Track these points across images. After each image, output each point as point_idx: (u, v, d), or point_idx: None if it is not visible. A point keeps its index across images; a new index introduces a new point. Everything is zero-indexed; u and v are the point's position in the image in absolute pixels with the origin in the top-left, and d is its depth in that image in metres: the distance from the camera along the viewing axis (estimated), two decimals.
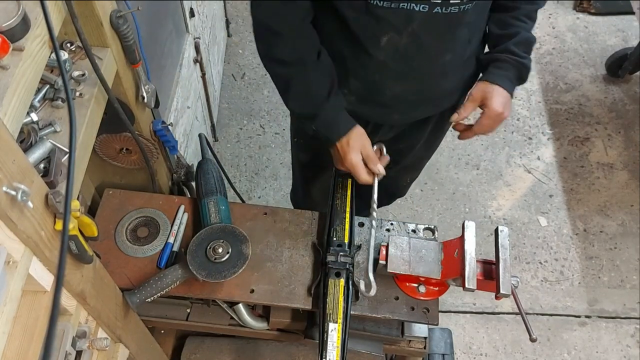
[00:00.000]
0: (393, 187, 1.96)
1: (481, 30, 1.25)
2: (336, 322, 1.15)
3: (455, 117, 1.25)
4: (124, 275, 1.26)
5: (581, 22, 3.09)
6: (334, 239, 1.26)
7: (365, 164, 1.19)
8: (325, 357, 1.11)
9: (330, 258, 1.23)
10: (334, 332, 1.14)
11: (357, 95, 1.26)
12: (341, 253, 1.23)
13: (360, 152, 1.18)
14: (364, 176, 1.19)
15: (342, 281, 1.20)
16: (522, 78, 1.23)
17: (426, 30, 1.11)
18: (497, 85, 1.20)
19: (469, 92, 1.26)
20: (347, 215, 1.30)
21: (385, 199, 2.07)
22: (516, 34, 1.21)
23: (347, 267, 1.22)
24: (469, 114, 1.24)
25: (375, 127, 1.38)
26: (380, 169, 1.20)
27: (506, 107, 1.21)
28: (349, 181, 1.36)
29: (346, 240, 1.26)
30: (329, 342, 1.13)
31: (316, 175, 1.69)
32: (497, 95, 1.19)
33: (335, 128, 1.19)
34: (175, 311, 1.42)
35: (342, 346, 1.13)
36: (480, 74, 1.27)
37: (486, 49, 1.30)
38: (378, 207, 1.25)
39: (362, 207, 1.36)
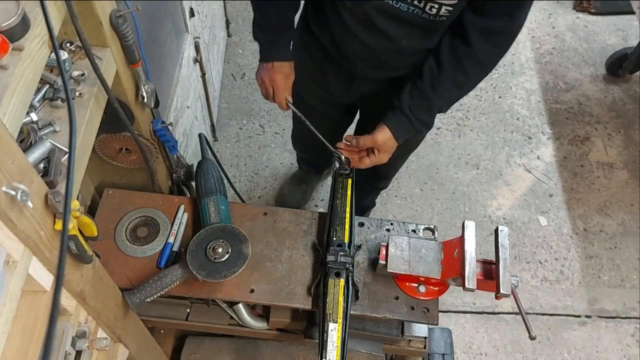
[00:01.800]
0: (374, 180, 2.01)
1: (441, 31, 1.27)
2: (336, 322, 1.15)
3: (353, 142, 1.36)
4: (124, 275, 1.26)
5: (581, 21, 3.09)
6: (334, 238, 1.26)
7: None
8: (325, 357, 1.11)
9: (330, 258, 1.23)
10: (334, 332, 1.14)
11: (331, 40, 1.38)
12: (341, 253, 1.23)
13: (272, 79, 1.39)
14: (263, 90, 1.44)
15: (342, 281, 1.20)
16: (418, 131, 1.34)
17: (378, 14, 1.20)
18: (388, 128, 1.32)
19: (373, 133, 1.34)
20: (347, 215, 1.30)
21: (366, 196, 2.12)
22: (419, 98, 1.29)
23: (347, 267, 1.22)
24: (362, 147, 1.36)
25: (350, 75, 1.45)
26: (280, 100, 1.42)
27: (386, 145, 1.33)
28: (349, 181, 1.36)
29: (346, 240, 1.26)
30: (328, 342, 1.13)
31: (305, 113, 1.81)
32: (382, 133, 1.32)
33: (272, 51, 1.39)
34: (175, 311, 1.42)
35: (342, 346, 1.13)
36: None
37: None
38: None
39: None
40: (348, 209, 1.31)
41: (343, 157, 1.38)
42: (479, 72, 1.27)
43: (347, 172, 1.38)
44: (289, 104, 1.44)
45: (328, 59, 1.43)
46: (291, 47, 1.42)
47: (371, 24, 1.23)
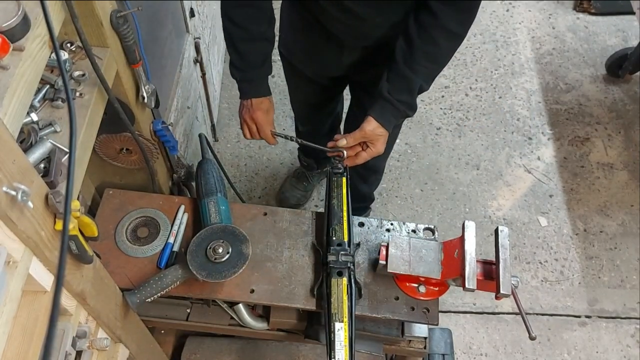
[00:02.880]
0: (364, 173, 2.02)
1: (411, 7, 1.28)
2: (342, 321, 1.15)
3: (342, 142, 1.34)
4: (124, 275, 1.26)
5: (581, 22, 3.10)
6: (334, 238, 1.26)
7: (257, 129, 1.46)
8: (335, 357, 1.11)
9: (331, 258, 1.23)
10: (341, 331, 1.14)
11: (315, 19, 1.41)
12: (342, 252, 1.24)
13: (253, 117, 1.43)
14: (245, 131, 1.48)
15: (345, 280, 1.20)
16: (404, 116, 1.34)
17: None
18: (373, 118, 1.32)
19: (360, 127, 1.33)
20: (345, 213, 1.30)
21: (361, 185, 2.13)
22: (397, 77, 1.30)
23: (349, 265, 1.22)
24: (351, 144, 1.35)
25: (339, 45, 1.46)
26: (266, 134, 1.45)
27: (376, 135, 1.33)
28: (343, 180, 1.37)
29: (345, 239, 1.26)
30: (336, 342, 1.13)
31: (297, 86, 1.83)
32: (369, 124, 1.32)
33: (249, 89, 1.43)
34: (175, 311, 1.42)
35: (349, 345, 1.13)
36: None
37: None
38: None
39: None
40: (345, 208, 1.32)
41: (344, 153, 1.36)
42: (449, 41, 1.26)
43: (340, 171, 1.38)
44: (275, 134, 1.47)
45: (317, 32, 1.44)
46: (267, 81, 1.46)
47: (345, 7, 1.26)
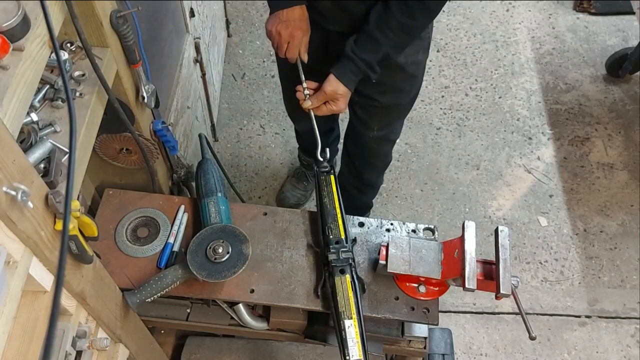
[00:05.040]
0: (364, 138, 1.99)
1: None
2: (351, 318, 1.16)
3: (307, 104, 1.38)
4: (124, 275, 1.26)
5: (581, 22, 3.09)
6: (331, 237, 1.26)
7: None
8: (349, 355, 1.11)
9: (332, 257, 1.23)
10: (351, 327, 1.14)
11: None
12: (342, 249, 1.24)
13: (291, 34, 1.37)
14: (281, 49, 1.40)
15: (348, 277, 1.20)
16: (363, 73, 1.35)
17: None
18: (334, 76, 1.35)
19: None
20: (338, 210, 1.31)
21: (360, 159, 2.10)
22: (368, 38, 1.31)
23: (350, 262, 1.22)
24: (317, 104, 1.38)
25: (325, 34, 1.47)
26: (292, 53, 1.40)
27: (337, 95, 1.35)
28: (332, 177, 1.38)
29: (343, 236, 1.26)
30: (348, 339, 1.13)
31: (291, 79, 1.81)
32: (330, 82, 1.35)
33: (283, 2, 1.37)
34: (175, 311, 1.42)
35: (361, 341, 1.13)
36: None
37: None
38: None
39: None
40: (337, 205, 1.32)
41: (327, 151, 1.39)
42: (424, 16, 1.30)
43: (327, 169, 1.38)
44: (299, 59, 1.41)
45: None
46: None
47: None
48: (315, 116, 1.41)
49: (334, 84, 1.34)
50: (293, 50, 1.40)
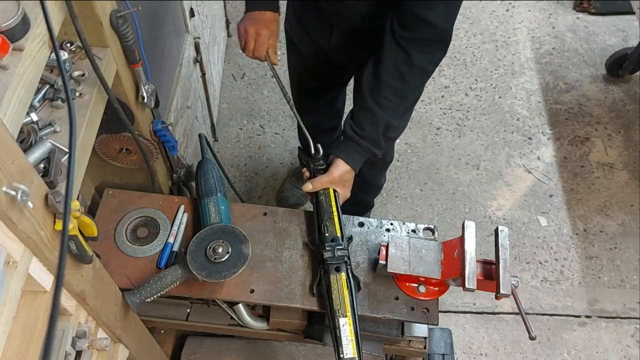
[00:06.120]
0: None
1: None
2: (346, 316, 1.15)
3: (308, 187, 1.34)
4: (124, 275, 1.26)
5: (581, 22, 3.10)
6: (327, 234, 1.26)
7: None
8: (343, 353, 1.11)
9: (327, 255, 1.23)
10: (346, 326, 1.14)
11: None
12: (337, 247, 1.23)
13: (256, 31, 1.40)
14: (248, 46, 1.43)
15: (343, 275, 1.20)
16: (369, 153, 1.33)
17: None
18: (340, 159, 1.32)
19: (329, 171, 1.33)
20: (334, 208, 1.30)
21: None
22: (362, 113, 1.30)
23: (345, 260, 1.22)
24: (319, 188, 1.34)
25: (329, 25, 1.47)
26: (258, 52, 1.42)
27: (343, 180, 1.33)
28: None
29: (338, 234, 1.26)
30: (342, 337, 1.13)
31: (295, 65, 1.84)
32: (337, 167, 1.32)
33: (257, 3, 1.42)
34: (175, 311, 1.42)
35: (356, 339, 1.13)
36: None
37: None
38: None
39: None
40: (333, 203, 1.31)
41: (320, 148, 1.37)
42: (418, 75, 1.28)
43: (323, 167, 1.37)
44: (269, 60, 1.44)
45: (312, 10, 1.48)
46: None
47: None
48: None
49: (342, 169, 1.31)
50: (259, 49, 1.42)
